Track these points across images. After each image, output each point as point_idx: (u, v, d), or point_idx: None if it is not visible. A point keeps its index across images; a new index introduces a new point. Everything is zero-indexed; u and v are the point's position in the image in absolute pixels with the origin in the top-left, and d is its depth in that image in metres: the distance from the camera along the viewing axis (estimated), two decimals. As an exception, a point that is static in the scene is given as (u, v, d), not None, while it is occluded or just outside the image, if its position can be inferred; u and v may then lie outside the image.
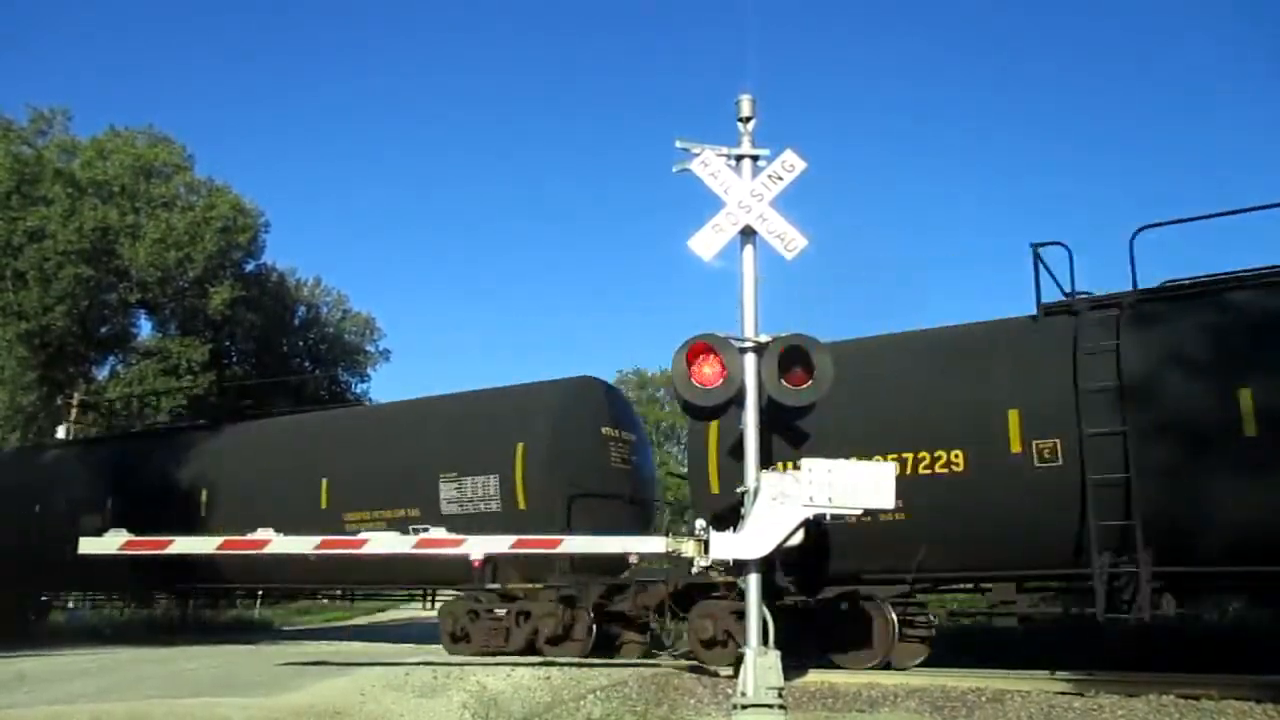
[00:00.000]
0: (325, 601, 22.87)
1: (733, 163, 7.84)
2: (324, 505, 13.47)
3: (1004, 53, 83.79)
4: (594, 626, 11.14)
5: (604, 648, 11.29)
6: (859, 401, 9.62)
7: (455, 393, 14.31)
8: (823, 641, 9.79)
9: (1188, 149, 75.44)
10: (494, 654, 11.13)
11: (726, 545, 7.42)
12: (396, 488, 12.94)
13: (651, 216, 79.04)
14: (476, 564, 10.90)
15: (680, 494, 20.33)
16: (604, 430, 12.87)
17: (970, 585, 10.65)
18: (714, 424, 10.27)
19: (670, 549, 7.79)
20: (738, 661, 7.31)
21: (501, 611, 11.55)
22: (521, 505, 11.95)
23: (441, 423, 13.40)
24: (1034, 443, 8.94)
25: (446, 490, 12.49)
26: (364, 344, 40.28)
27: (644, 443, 14.40)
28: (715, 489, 10.38)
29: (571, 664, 9.73)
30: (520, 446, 12.09)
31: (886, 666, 9.51)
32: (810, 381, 7.64)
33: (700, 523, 7.70)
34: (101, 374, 32.20)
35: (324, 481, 13.65)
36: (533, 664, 9.64)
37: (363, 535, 9.24)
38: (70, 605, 21.96)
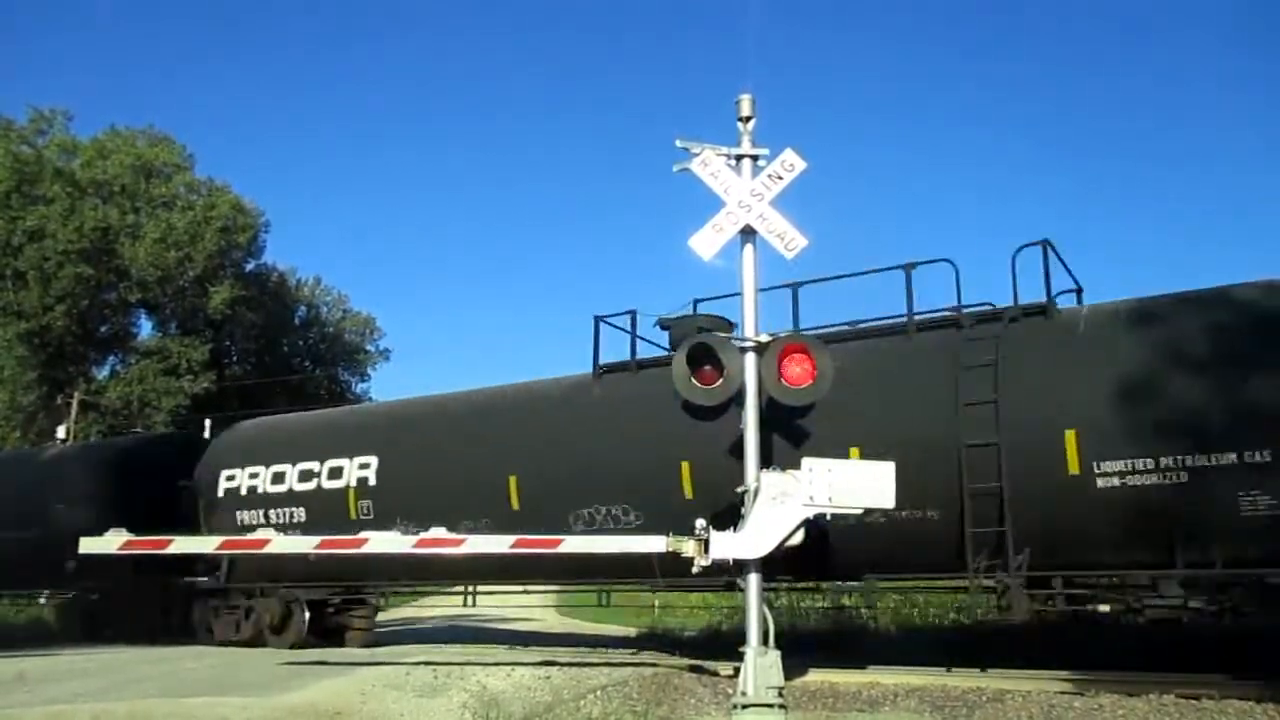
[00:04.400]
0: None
1: (733, 162, 7.83)
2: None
3: (1005, 54, 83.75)
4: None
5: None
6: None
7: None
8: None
9: (1189, 149, 75.43)
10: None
11: (726, 545, 7.42)
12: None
13: (651, 216, 79.13)
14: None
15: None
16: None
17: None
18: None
19: (670, 548, 7.78)
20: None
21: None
22: None
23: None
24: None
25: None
26: (364, 344, 40.29)
27: None
28: None
29: (572, 664, 9.73)
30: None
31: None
32: (811, 381, 7.64)
33: (700, 522, 7.69)
34: (101, 373, 32.21)
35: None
36: (533, 663, 9.63)
37: (364, 535, 9.25)
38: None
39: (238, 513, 13.14)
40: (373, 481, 12.05)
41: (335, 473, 12.41)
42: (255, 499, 13.07)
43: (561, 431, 10.96)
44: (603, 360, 11.18)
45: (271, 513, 12.88)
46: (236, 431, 14.79)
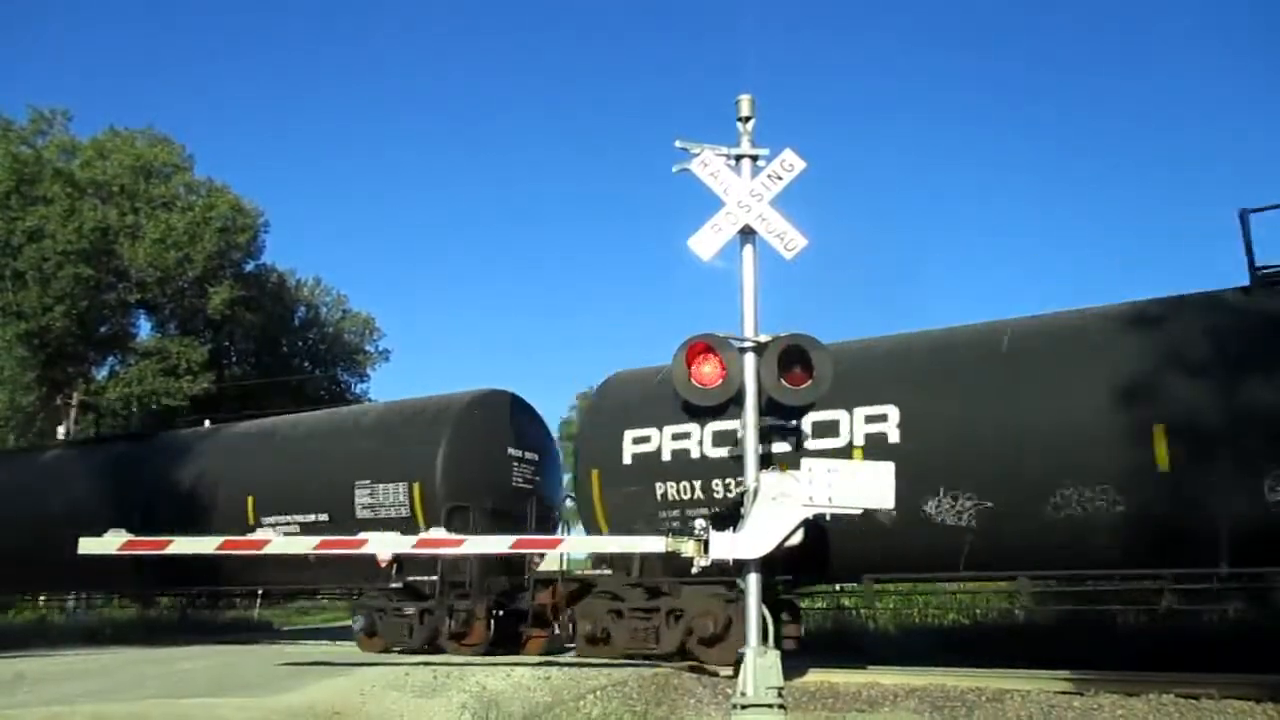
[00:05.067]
0: (324, 602, 22.86)
1: (732, 162, 7.82)
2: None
3: (1005, 55, 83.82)
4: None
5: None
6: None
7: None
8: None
9: (1187, 151, 75.46)
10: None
11: (726, 545, 7.41)
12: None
13: (651, 216, 79.16)
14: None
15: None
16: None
17: None
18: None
19: (670, 549, 7.78)
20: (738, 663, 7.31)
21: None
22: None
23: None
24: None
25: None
26: (364, 344, 40.27)
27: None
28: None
29: (571, 664, 9.73)
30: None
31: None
32: (810, 381, 7.64)
33: (700, 522, 7.68)
34: (101, 374, 32.19)
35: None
36: (533, 664, 9.63)
37: (362, 535, 9.23)
38: (70, 605, 21.94)
39: (658, 485, 10.49)
40: (894, 439, 9.34)
41: (826, 429, 9.59)
42: (686, 466, 10.37)
43: (1217, 365, 8.31)
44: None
45: (715, 484, 10.18)
46: (637, 380, 11.61)
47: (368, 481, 13.08)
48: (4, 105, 32.59)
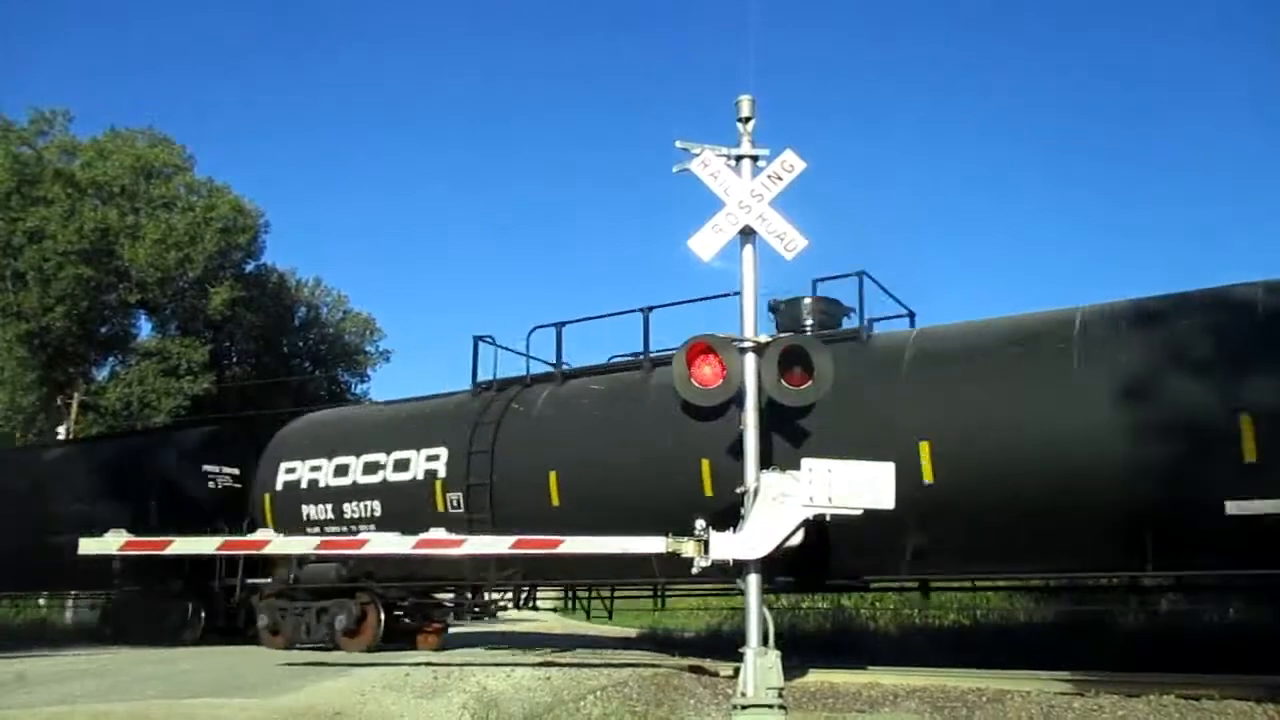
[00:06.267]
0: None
1: (732, 163, 7.83)
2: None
3: (1005, 55, 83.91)
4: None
5: None
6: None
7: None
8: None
9: (1186, 152, 75.47)
10: None
11: (726, 545, 7.41)
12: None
13: (652, 216, 79.24)
14: None
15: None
16: None
17: None
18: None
19: (670, 549, 7.77)
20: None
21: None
22: None
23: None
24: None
25: None
26: (364, 344, 40.22)
27: None
28: None
29: (572, 665, 9.72)
30: None
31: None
32: (810, 381, 7.64)
33: (700, 523, 7.68)
34: (101, 374, 32.19)
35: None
36: (533, 664, 9.63)
37: (363, 535, 9.18)
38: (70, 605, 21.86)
39: None
40: None
41: None
42: None
43: None
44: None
45: None
46: None
47: None
48: (4, 105, 32.54)
